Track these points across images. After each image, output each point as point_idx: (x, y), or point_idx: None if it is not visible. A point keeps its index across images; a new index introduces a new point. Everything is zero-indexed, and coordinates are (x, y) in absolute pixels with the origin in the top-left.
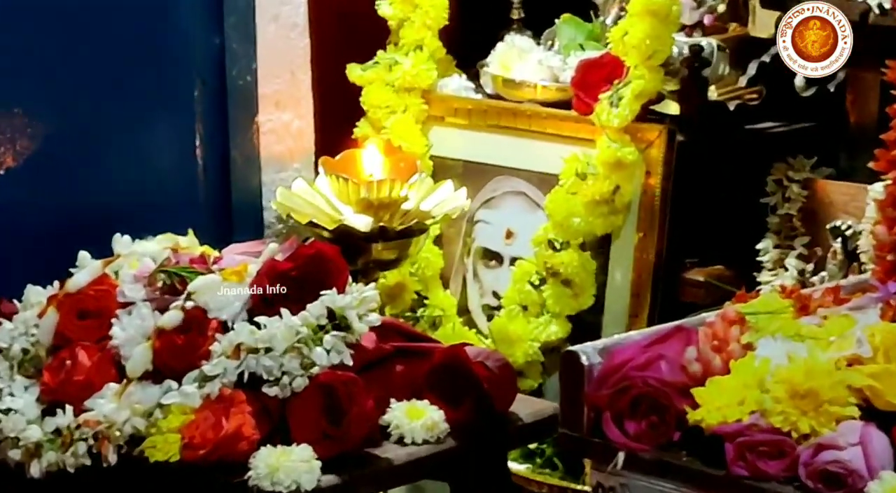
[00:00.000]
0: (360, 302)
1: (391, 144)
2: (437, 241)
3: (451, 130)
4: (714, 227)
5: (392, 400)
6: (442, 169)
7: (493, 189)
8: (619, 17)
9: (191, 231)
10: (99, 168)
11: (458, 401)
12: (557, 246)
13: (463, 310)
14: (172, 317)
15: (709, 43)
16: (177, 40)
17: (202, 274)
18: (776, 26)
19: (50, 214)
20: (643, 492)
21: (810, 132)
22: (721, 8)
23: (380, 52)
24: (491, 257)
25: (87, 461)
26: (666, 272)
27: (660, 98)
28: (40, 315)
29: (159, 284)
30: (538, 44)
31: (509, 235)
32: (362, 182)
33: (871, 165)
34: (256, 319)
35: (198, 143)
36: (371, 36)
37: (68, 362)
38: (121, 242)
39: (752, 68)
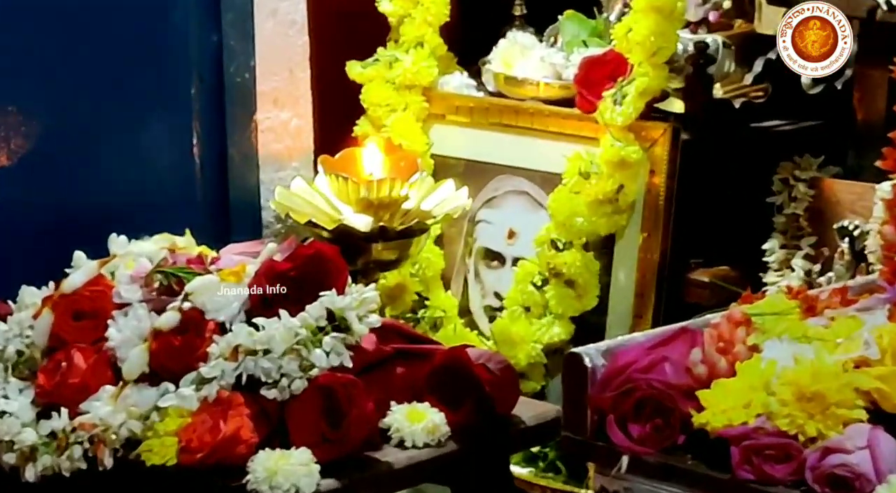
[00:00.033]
0: (359, 303)
1: (391, 143)
2: (438, 241)
3: (453, 128)
4: (719, 227)
5: (392, 403)
6: (443, 168)
7: (495, 188)
8: (622, 14)
9: (188, 231)
10: (95, 167)
11: (459, 404)
12: (560, 246)
13: (464, 311)
14: (169, 318)
15: (714, 40)
16: (174, 37)
17: (199, 275)
18: None
19: (45, 214)
20: None
21: (817, 130)
22: (726, 4)
23: (380, 50)
24: (493, 257)
25: (83, 465)
26: (670, 273)
27: (664, 96)
28: (35, 316)
29: (156, 284)
30: (541, 41)
31: (511, 235)
32: (362, 181)
33: (878, 163)
34: (255, 320)
35: (195, 141)
36: (371, 33)
37: (63, 364)
38: (117, 242)
39: (757, 65)
